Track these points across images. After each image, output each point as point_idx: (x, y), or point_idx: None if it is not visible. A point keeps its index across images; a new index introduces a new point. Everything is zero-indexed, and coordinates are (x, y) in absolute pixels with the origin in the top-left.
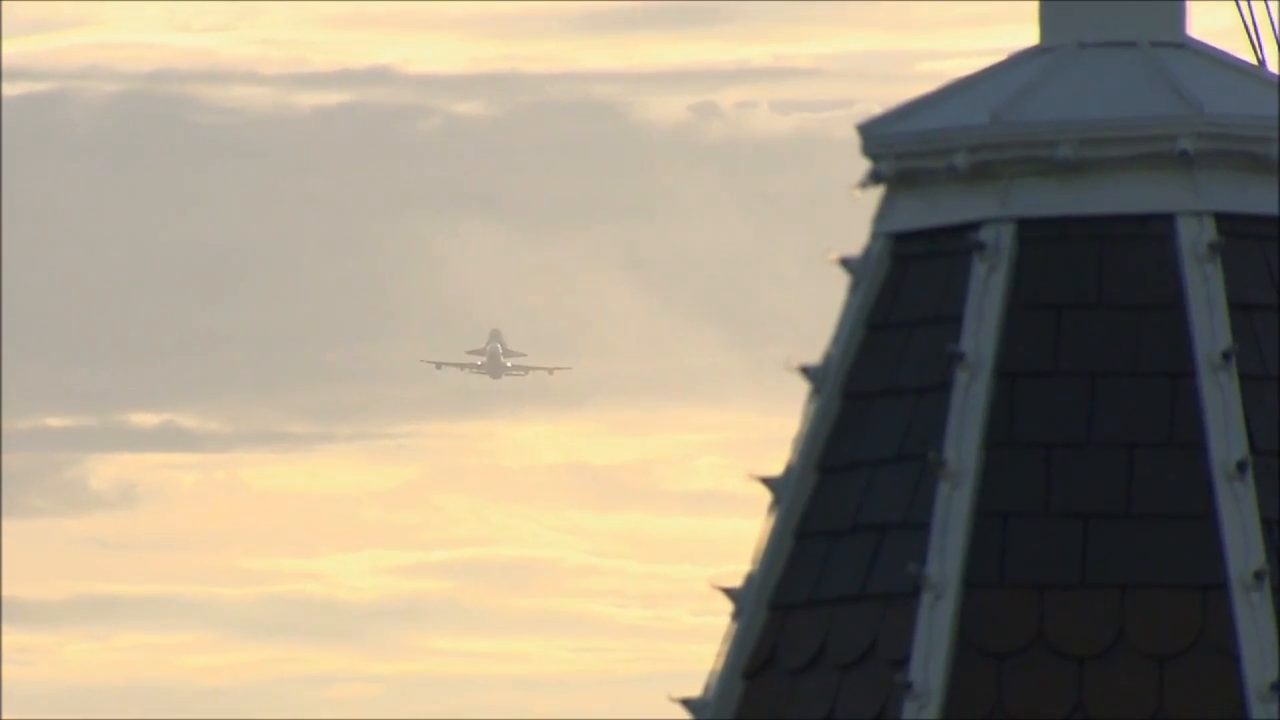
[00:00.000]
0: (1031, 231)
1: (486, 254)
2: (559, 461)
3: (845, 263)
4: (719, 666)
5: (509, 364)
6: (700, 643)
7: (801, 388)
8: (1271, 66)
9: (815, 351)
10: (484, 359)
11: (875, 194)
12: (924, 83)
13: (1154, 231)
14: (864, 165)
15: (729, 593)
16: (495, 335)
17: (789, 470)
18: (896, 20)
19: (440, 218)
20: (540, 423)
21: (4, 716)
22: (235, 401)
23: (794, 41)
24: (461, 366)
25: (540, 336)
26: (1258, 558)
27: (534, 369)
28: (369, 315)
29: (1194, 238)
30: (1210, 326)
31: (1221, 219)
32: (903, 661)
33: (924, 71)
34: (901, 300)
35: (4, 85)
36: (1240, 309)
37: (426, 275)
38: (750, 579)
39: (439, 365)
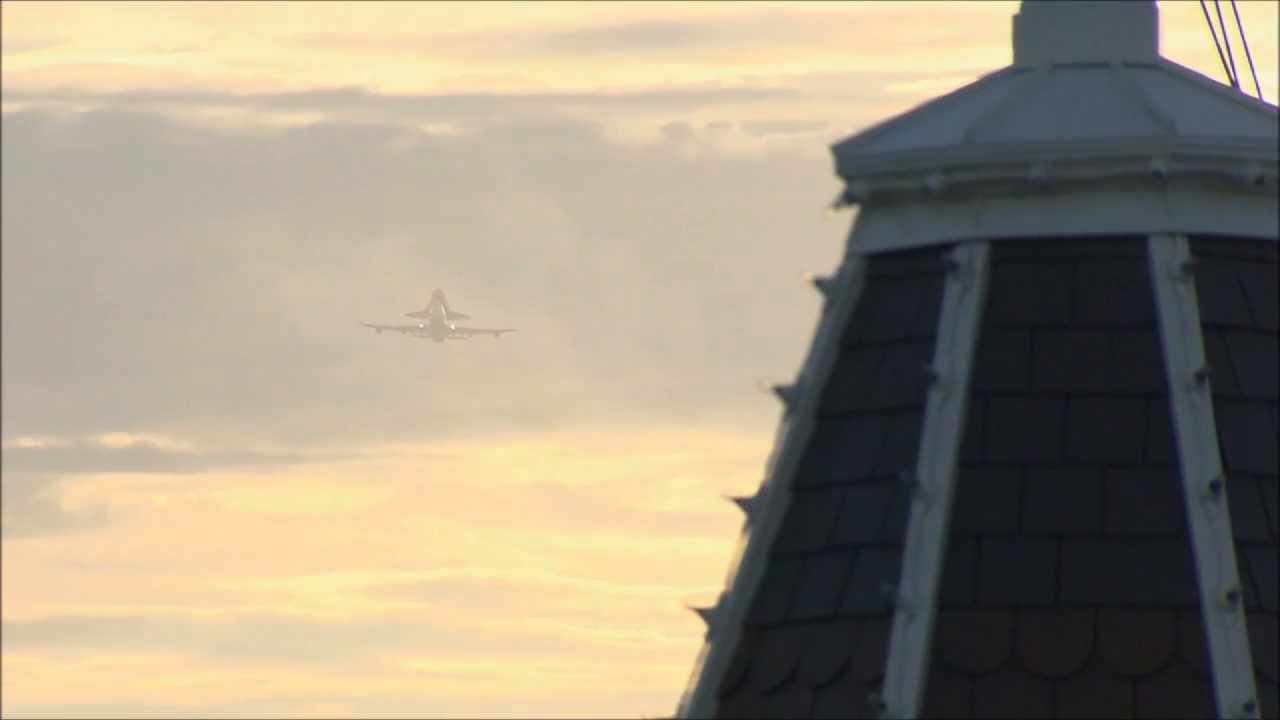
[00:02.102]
0: (1005, 252)
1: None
2: (531, 482)
3: (819, 283)
4: (693, 687)
5: (452, 326)
6: (674, 663)
7: (775, 408)
8: (1244, 87)
9: (789, 372)
10: (426, 321)
11: (849, 214)
12: (896, 104)
13: (1127, 252)
14: (838, 186)
15: (703, 613)
16: (438, 297)
17: (763, 490)
18: (867, 41)
19: (412, 237)
20: (512, 443)
21: None
22: (207, 422)
23: (764, 62)
24: (403, 330)
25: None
26: (1231, 578)
27: (478, 331)
28: (341, 336)
29: (1167, 258)
30: (1183, 347)
31: (1195, 240)
32: (877, 682)
33: (896, 92)
34: (875, 320)
35: None
36: (1213, 329)
37: (400, 296)
38: (724, 599)
39: (379, 329)
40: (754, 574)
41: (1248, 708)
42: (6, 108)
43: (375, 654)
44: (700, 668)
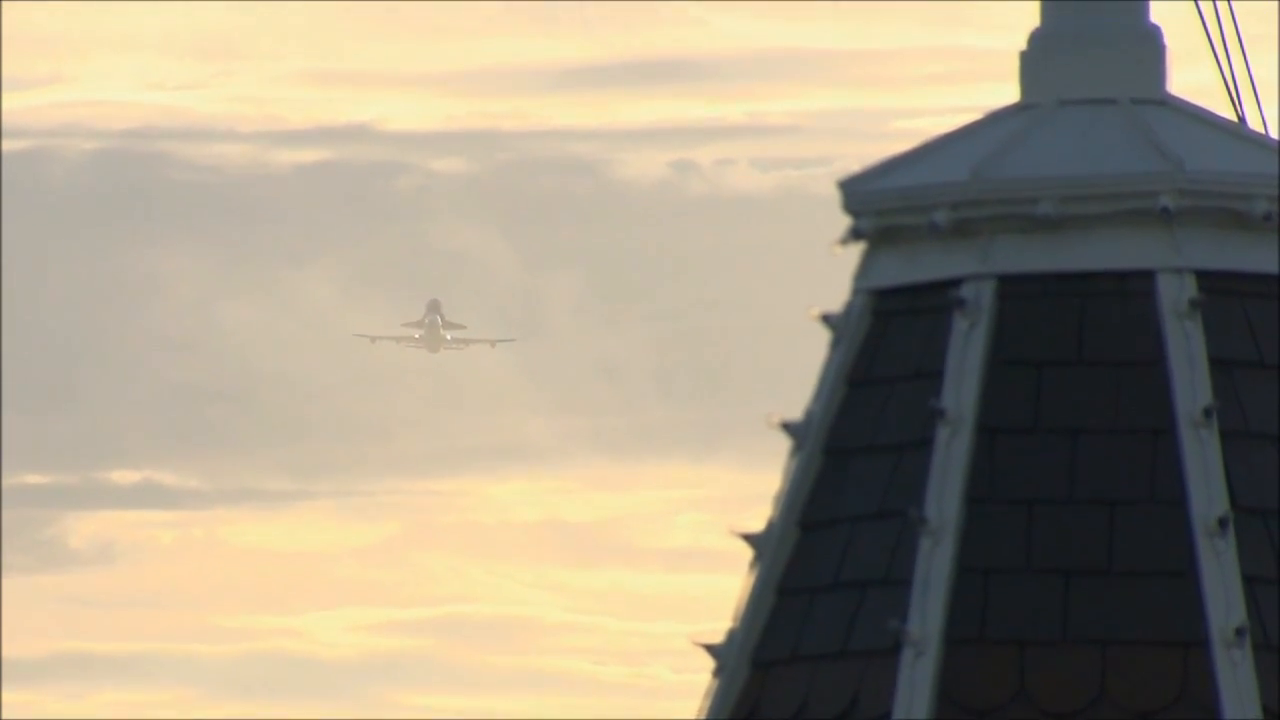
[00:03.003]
0: (1012, 288)
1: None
2: (537, 518)
3: (826, 319)
4: None
5: (448, 336)
6: (681, 700)
7: (782, 444)
8: (1251, 123)
9: (796, 408)
10: (422, 331)
11: (856, 250)
12: (902, 140)
13: (1135, 288)
14: (845, 222)
15: (710, 649)
16: (434, 306)
17: (770, 527)
18: (874, 77)
19: (419, 272)
20: (517, 479)
21: None
22: (214, 459)
23: (771, 99)
24: (398, 340)
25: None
26: (1239, 615)
27: (475, 341)
28: (348, 372)
29: (1175, 294)
30: (1191, 383)
31: (1202, 276)
32: (884, 718)
33: (902, 129)
34: (882, 356)
35: None
36: (1221, 366)
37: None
38: (731, 636)
39: (374, 339)
40: (761, 610)
41: None
42: (12, 145)
43: (381, 691)
44: (708, 704)
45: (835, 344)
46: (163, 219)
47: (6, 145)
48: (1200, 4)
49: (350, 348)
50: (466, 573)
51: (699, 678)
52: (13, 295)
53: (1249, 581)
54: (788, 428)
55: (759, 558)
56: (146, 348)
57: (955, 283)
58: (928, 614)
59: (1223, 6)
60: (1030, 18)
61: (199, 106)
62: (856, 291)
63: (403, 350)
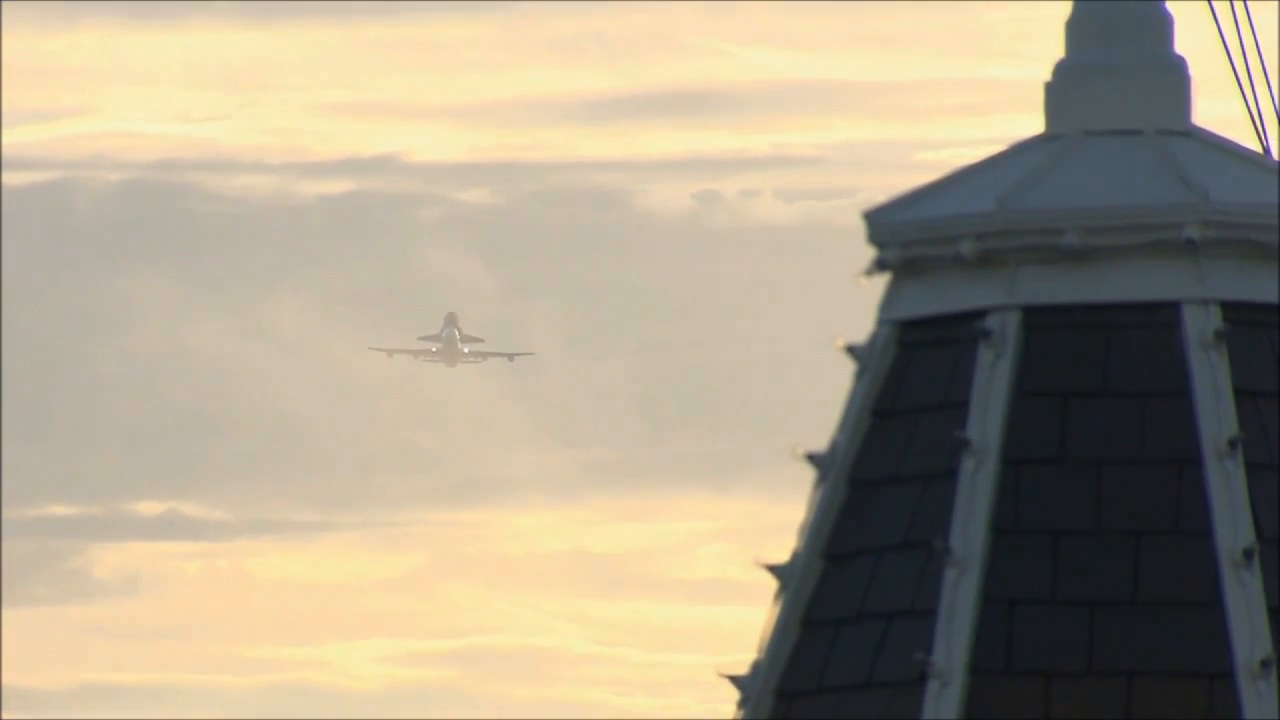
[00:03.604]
0: (1037, 319)
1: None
2: (562, 549)
3: (851, 350)
4: None
5: (465, 350)
6: None
7: (807, 475)
8: (1276, 155)
9: (821, 439)
10: (439, 345)
11: (881, 281)
12: (927, 171)
13: (1160, 319)
14: (870, 253)
15: (735, 681)
16: (451, 320)
17: (795, 558)
18: (898, 109)
19: (445, 303)
20: (542, 510)
21: None
22: (239, 490)
23: (795, 130)
24: (415, 354)
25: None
26: (1264, 646)
27: (493, 355)
28: (373, 404)
29: (1200, 325)
30: (1216, 414)
31: (1227, 307)
32: None
33: (926, 160)
34: (907, 387)
35: (8, 175)
36: (1246, 397)
37: (431, 365)
38: (756, 667)
39: (390, 353)
40: (786, 641)
41: None
42: (39, 176)
43: None
44: None
45: (860, 375)
46: (189, 250)
47: (33, 177)
48: (1225, 36)
49: (376, 379)
50: (491, 604)
51: (724, 709)
52: (39, 326)
53: (1274, 613)
54: (812, 459)
55: (784, 589)
56: (172, 379)
57: (980, 314)
58: (953, 645)
59: (1248, 38)
60: (1055, 49)
61: (224, 138)
62: (881, 322)
63: (420, 364)
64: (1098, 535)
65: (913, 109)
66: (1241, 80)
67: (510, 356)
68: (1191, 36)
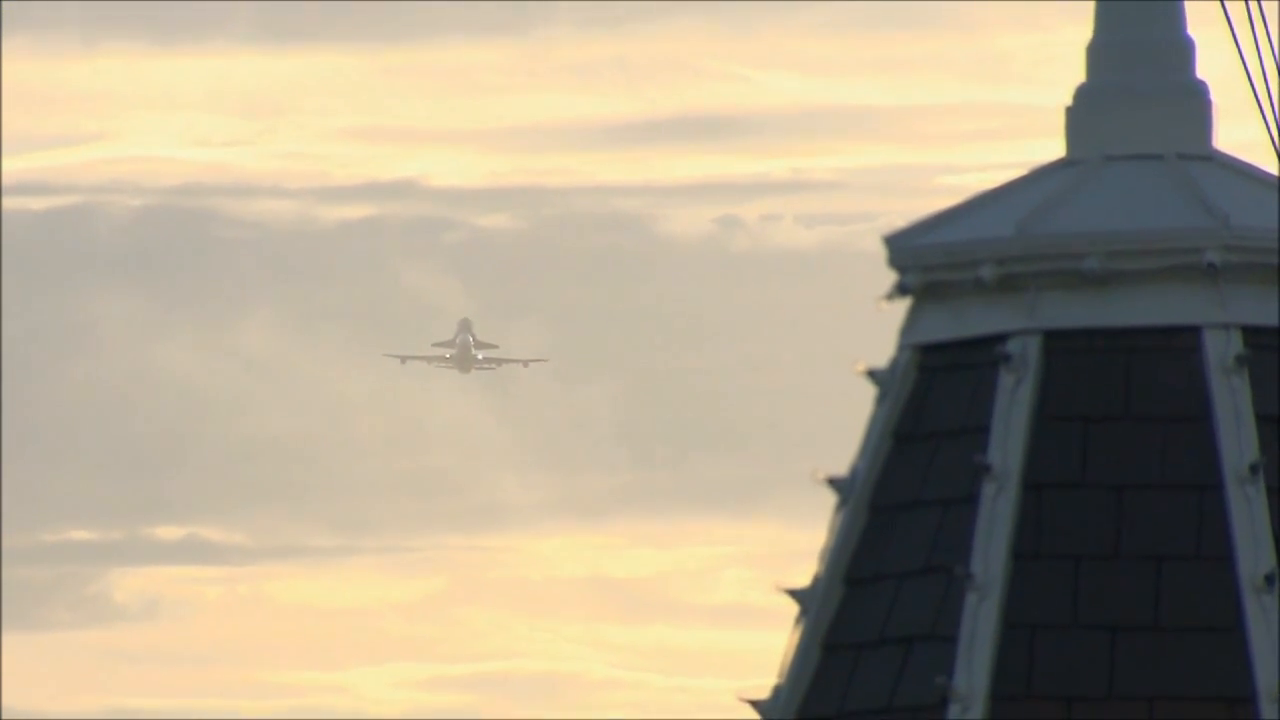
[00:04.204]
0: (1058, 343)
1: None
2: (582, 574)
3: (872, 374)
4: None
5: (480, 356)
6: None
7: (828, 499)
8: None
9: (842, 463)
10: (453, 351)
11: (902, 306)
12: (946, 196)
13: (1181, 344)
14: (890, 277)
15: (756, 705)
16: (465, 326)
17: (816, 582)
18: (917, 134)
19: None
20: (562, 535)
21: None
22: (259, 514)
23: (814, 155)
24: (428, 360)
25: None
26: None
27: (507, 361)
28: (394, 428)
29: (1221, 350)
30: (1237, 439)
31: (1248, 331)
32: None
33: (946, 185)
34: (928, 412)
35: (28, 200)
36: (1267, 421)
37: (447, 388)
38: (777, 691)
39: (404, 359)
40: (807, 666)
41: None
42: (59, 201)
43: None
44: None
45: (881, 399)
46: (209, 274)
47: (54, 201)
48: (1246, 60)
49: (397, 404)
50: (511, 629)
51: None
52: (62, 350)
53: None
54: (833, 483)
55: (804, 613)
56: (191, 405)
57: (1001, 338)
58: (974, 670)
59: (1269, 62)
60: (1074, 74)
61: (244, 163)
62: (902, 347)
63: (434, 371)
64: (1118, 560)
65: (933, 134)
66: (1262, 104)
67: (525, 363)
68: (1212, 61)
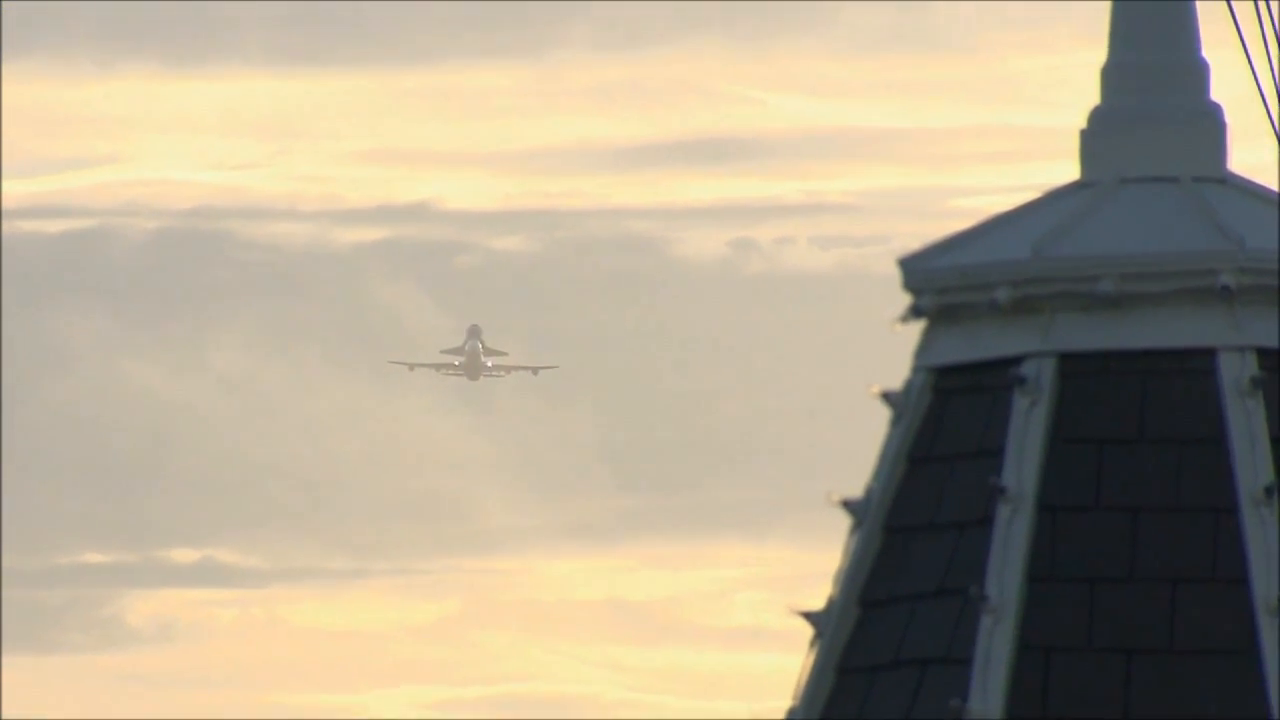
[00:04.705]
0: (1073, 366)
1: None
2: (597, 597)
3: (886, 397)
4: None
5: (489, 364)
6: None
7: (842, 522)
8: None
9: (856, 485)
10: (462, 358)
11: (916, 328)
12: (960, 218)
13: (1196, 366)
14: (905, 299)
15: None
16: (474, 332)
17: (830, 605)
18: (930, 156)
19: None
20: (576, 557)
21: None
22: (274, 537)
23: (828, 178)
24: (437, 367)
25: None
26: None
27: (517, 369)
28: (407, 452)
29: (1236, 372)
30: (1252, 462)
31: (1263, 354)
32: None
33: (960, 207)
34: (943, 434)
35: (43, 223)
36: None
37: (471, 412)
38: (792, 714)
39: (411, 367)
40: (822, 688)
41: None
42: (74, 224)
43: None
44: None
45: (895, 422)
46: (224, 296)
47: (68, 224)
48: (1261, 83)
49: (411, 427)
50: (526, 651)
51: None
52: (75, 372)
53: None
54: (848, 505)
55: (819, 636)
56: (206, 426)
57: (1016, 360)
58: (989, 692)
59: None
60: (1087, 96)
61: (258, 186)
62: (917, 369)
63: (442, 379)
64: (1133, 583)
65: (946, 156)
66: (1277, 126)
67: (534, 370)
68: (1227, 83)
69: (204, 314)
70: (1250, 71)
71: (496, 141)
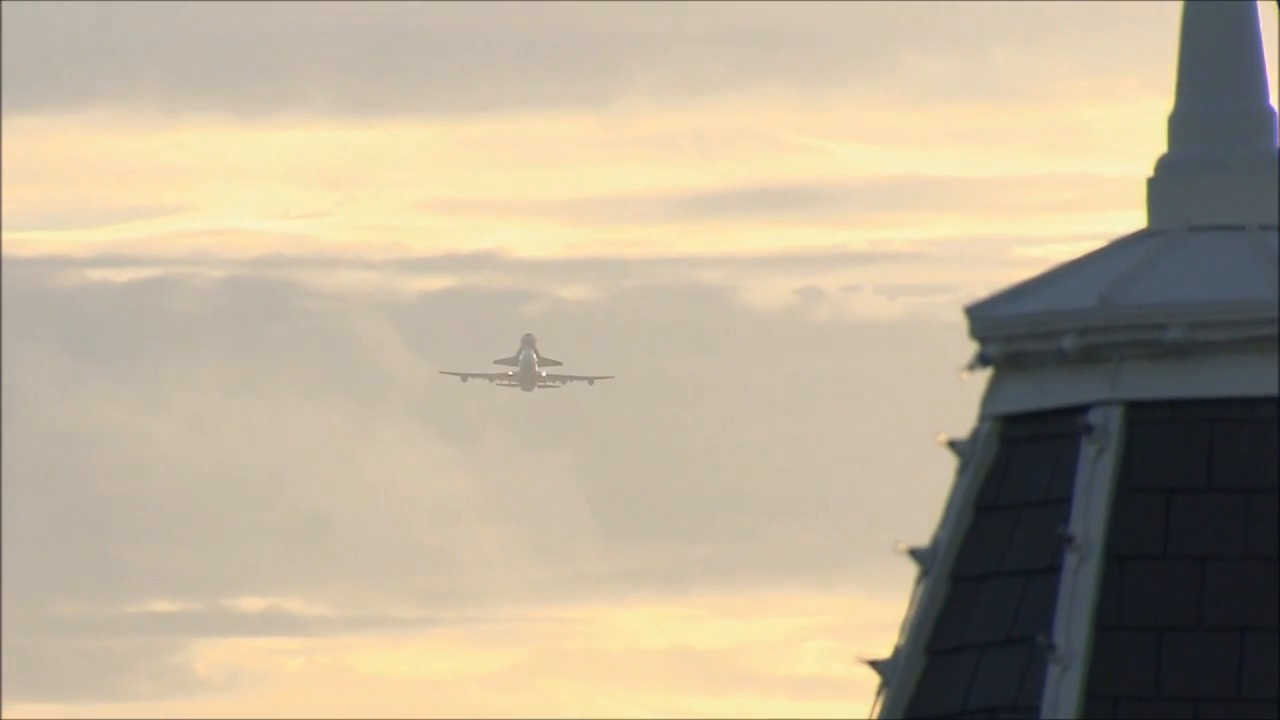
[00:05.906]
0: (1140, 414)
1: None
2: (663, 645)
3: (953, 445)
4: None
5: (544, 374)
6: None
7: (909, 570)
8: None
9: (923, 534)
10: (515, 369)
11: (983, 376)
12: (1026, 267)
13: (1264, 414)
14: (971, 347)
15: None
16: (528, 342)
17: (897, 653)
18: (996, 205)
19: (550, 398)
20: (644, 606)
21: None
22: (341, 586)
23: (894, 226)
24: (490, 378)
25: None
26: None
27: (572, 378)
28: (474, 499)
29: None
30: None
31: None
32: None
33: (1025, 256)
34: (1010, 482)
35: (111, 272)
36: None
37: (534, 461)
38: None
39: (465, 378)
40: None
41: None
42: (141, 273)
43: None
44: None
45: (962, 470)
46: (291, 345)
47: (136, 273)
48: None
49: (476, 473)
50: (593, 700)
51: None
52: (147, 421)
53: None
54: (915, 554)
55: (886, 685)
56: (274, 476)
57: (1083, 409)
58: None
59: None
60: (1153, 146)
61: (325, 235)
62: (983, 417)
63: (495, 389)
64: (1202, 631)
65: (1012, 205)
66: None
67: (590, 380)
68: None
69: (270, 362)
70: None
71: (562, 190)
